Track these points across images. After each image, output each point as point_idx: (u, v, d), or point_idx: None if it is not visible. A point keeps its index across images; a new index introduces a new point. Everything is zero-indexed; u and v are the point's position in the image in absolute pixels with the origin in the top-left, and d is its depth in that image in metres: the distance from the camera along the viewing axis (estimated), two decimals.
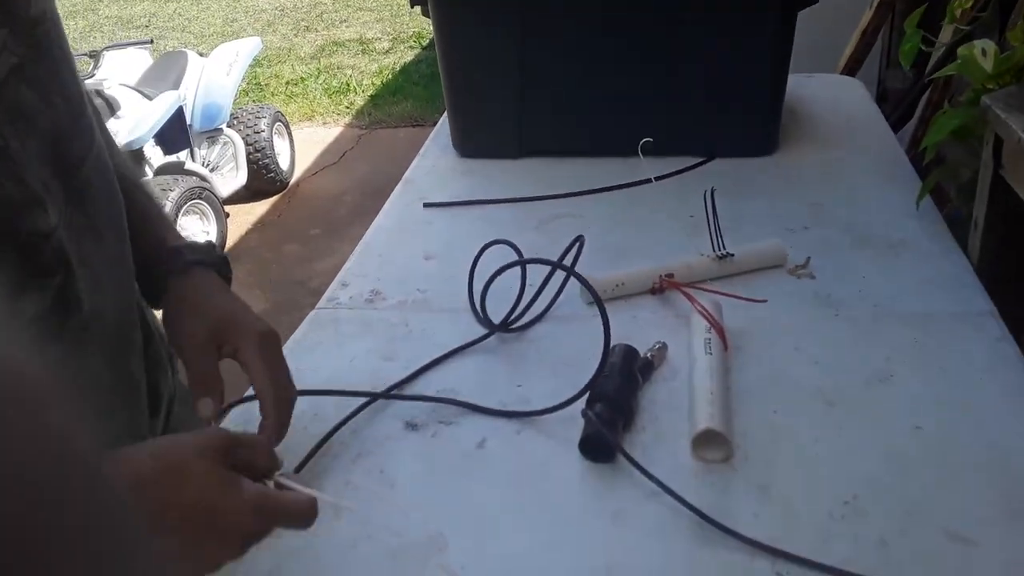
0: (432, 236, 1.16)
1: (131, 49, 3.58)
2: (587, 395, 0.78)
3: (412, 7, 1.32)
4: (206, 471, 0.50)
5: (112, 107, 3.13)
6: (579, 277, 0.83)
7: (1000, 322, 0.86)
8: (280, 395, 0.66)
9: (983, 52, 0.99)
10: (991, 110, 0.89)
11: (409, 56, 6.11)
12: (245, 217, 3.79)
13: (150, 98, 3.28)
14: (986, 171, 0.94)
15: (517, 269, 0.91)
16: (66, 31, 0.60)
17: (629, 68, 1.27)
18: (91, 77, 3.24)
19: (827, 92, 1.52)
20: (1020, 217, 0.87)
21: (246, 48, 3.76)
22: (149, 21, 7.59)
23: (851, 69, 2.27)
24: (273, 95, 5.40)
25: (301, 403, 0.84)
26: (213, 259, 0.71)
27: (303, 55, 6.35)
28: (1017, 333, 0.85)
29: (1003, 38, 1.18)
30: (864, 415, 0.77)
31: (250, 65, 3.97)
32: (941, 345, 0.84)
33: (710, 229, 0.99)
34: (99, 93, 3.13)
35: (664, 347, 0.86)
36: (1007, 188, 0.90)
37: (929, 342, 0.85)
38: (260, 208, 3.87)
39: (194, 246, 0.72)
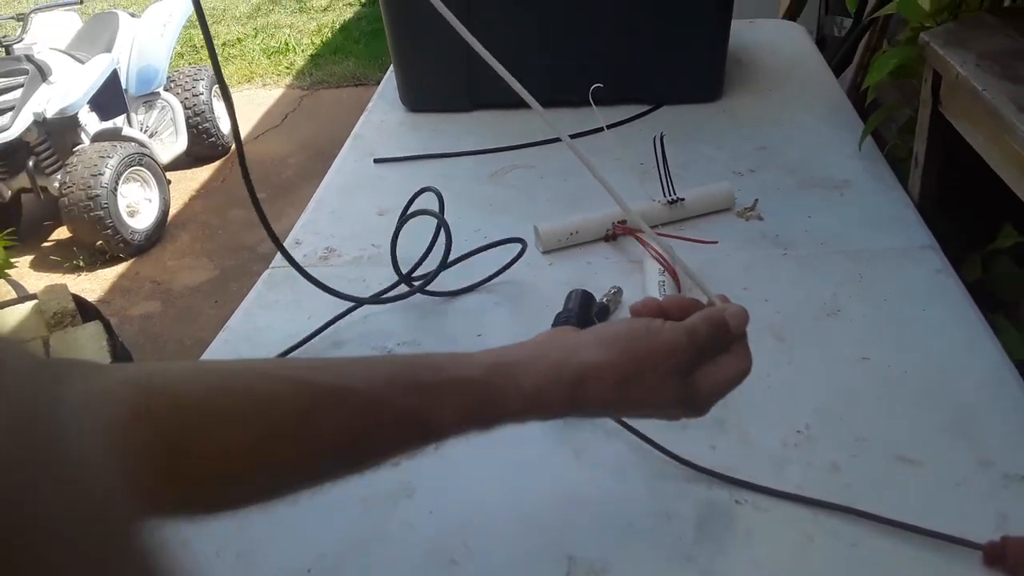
0: (384, 191, 1.16)
1: (60, 11, 3.45)
2: None
3: None
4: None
5: (43, 72, 3.02)
6: (446, 228, 0.83)
7: (941, 255, 0.89)
8: None
9: None
10: (929, 46, 0.91)
11: (349, 13, 6.00)
12: (188, 184, 3.71)
13: (82, 62, 3.18)
14: (925, 108, 0.97)
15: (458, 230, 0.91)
16: None
17: (576, 17, 1.27)
18: (19, 41, 3.12)
19: (769, 37, 1.54)
20: (958, 152, 0.90)
21: (179, 8, 3.65)
22: None
23: (792, 15, 2.29)
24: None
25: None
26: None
27: (239, 15, 6.19)
28: (957, 264, 0.88)
29: None
30: (814, 349, 0.79)
31: (184, 26, 3.86)
32: (885, 279, 0.87)
33: (660, 175, 1.01)
34: (29, 58, 3.01)
35: (619, 291, 0.88)
36: (946, 125, 0.93)
37: (873, 276, 0.88)
38: (202, 174, 3.79)
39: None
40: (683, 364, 0.53)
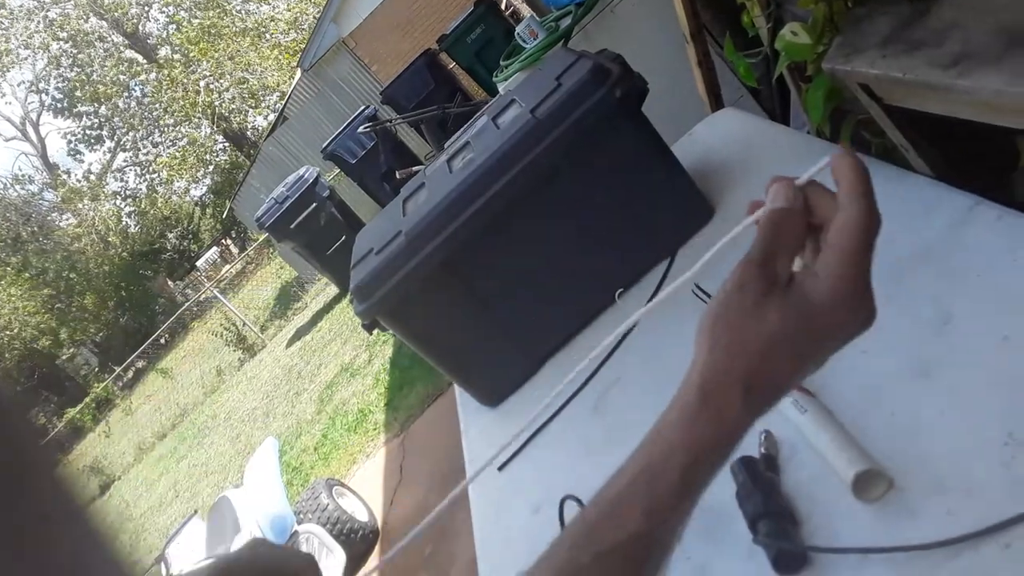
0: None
1: (183, 532, 3.70)
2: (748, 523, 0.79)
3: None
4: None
5: None
6: None
7: (990, 204, 0.89)
8: None
9: (794, 33, 1.09)
10: (837, 70, 0.98)
11: (389, 350, 6.31)
12: None
13: None
14: (876, 110, 1.01)
15: None
16: None
17: (571, 243, 1.35)
18: None
19: (713, 137, 1.61)
20: (929, 119, 0.93)
21: (268, 451, 3.89)
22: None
23: (716, 96, 2.40)
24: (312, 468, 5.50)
25: None
26: None
27: (305, 446, 6.51)
28: (1007, 196, 0.88)
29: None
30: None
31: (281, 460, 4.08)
32: (966, 252, 0.87)
33: None
34: None
35: (768, 434, 0.88)
36: (901, 110, 0.97)
37: (955, 260, 0.88)
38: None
39: None
40: (758, 285, 0.49)
